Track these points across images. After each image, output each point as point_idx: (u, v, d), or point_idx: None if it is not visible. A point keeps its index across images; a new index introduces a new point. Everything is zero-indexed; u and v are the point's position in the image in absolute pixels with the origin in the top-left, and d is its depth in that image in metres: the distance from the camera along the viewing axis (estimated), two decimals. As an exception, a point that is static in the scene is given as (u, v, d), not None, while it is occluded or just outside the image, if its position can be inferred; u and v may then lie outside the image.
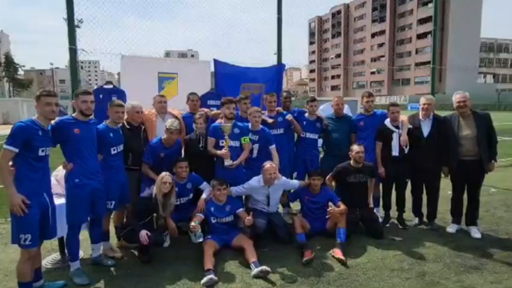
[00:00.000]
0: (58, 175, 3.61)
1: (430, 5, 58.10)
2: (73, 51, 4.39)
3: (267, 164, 4.05)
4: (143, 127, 4.14)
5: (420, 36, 63.90)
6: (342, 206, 4.08)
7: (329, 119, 4.86)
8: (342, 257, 3.59)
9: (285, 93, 5.36)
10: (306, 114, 4.86)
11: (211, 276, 3.18)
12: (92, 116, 3.32)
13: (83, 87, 4.17)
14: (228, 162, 4.07)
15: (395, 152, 4.40)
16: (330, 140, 4.81)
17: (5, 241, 4.13)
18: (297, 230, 3.94)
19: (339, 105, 4.81)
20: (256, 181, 4.09)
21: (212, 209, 3.94)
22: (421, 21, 62.89)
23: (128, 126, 3.95)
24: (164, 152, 4.03)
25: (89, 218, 3.40)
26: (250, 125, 4.35)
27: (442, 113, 4.55)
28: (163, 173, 3.72)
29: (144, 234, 3.42)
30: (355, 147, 4.27)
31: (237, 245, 3.75)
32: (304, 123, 4.81)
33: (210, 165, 4.30)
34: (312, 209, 4.29)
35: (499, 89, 50.81)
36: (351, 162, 4.32)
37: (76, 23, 4.58)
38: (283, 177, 4.26)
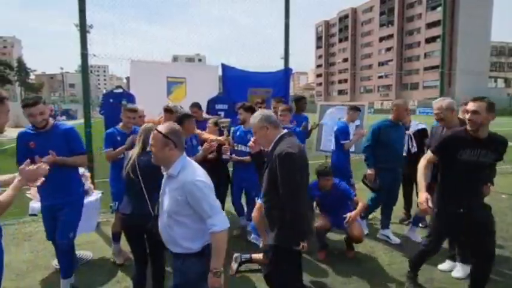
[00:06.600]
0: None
1: (438, 8, 57.66)
2: (85, 56, 4.47)
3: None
4: None
5: (429, 40, 63.41)
6: (360, 204, 3.78)
7: (386, 126, 4.15)
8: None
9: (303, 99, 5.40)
10: None
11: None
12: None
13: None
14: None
15: (403, 152, 4.40)
16: (389, 150, 4.06)
17: (16, 242, 4.20)
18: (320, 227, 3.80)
19: (408, 111, 4.25)
20: None
21: None
22: (430, 25, 62.42)
23: None
24: None
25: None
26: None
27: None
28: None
29: None
30: (469, 105, 2.69)
31: None
32: None
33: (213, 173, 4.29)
34: (326, 205, 4.02)
35: (510, 93, 50.04)
36: (467, 127, 2.70)
37: (86, 28, 4.68)
38: None
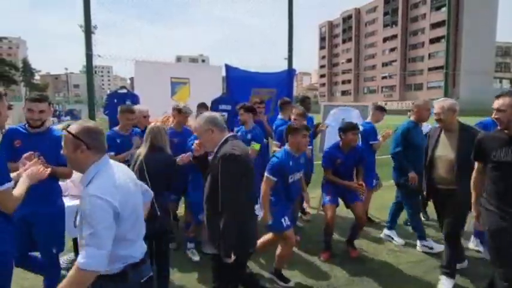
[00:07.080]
0: (73, 178, 3.70)
1: (443, 9, 57.42)
2: (89, 57, 4.50)
3: None
4: None
5: (433, 41, 63.11)
6: (360, 178, 3.77)
7: (412, 128, 3.97)
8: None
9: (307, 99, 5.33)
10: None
11: None
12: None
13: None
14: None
15: None
16: (418, 151, 3.77)
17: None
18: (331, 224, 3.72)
19: (429, 111, 3.98)
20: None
21: None
22: (434, 26, 62.15)
23: None
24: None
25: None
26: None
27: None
28: None
29: None
30: (494, 103, 2.44)
31: None
32: None
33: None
34: (347, 167, 3.86)
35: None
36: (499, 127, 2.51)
37: (91, 29, 4.71)
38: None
